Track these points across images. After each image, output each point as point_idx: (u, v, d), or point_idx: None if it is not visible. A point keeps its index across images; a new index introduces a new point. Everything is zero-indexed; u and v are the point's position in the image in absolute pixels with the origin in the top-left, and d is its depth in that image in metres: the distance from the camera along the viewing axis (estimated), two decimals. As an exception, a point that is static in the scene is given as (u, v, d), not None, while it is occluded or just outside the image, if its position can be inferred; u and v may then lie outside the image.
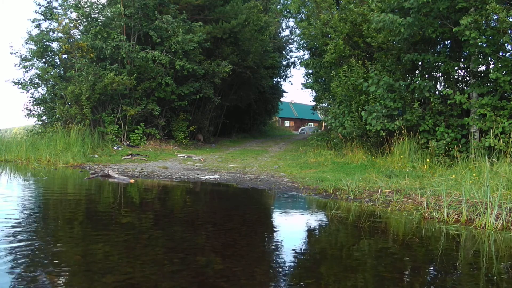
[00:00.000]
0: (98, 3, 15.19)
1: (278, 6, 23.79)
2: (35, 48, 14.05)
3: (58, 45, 14.60)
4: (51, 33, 14.40)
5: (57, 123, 13.27)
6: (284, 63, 29.40)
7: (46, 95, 14.76)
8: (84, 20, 14.89)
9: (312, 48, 17.29)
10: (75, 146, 11.36)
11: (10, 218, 4.35)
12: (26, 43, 14.16)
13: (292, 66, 32.00)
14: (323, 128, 21.44)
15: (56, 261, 3.07)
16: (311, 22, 14.19)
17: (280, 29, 28.42)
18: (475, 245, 4.02)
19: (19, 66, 14.17)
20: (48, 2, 14.60)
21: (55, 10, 14.64)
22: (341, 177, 7.44)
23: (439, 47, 10.56)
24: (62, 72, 14.65)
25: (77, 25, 14.97)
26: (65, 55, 14.71)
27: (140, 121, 14.69)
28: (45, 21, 14.57)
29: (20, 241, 3.56)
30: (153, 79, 14.50)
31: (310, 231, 4.64)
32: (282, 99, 34.42)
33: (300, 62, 20.91)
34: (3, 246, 3.34)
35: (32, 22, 14.39)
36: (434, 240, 4.10)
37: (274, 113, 34.91)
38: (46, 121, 14.76)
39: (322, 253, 3.64)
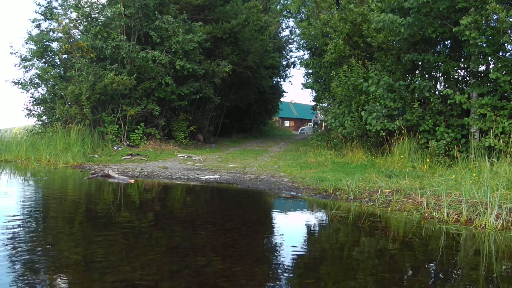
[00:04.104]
0: (98, 3, 15.17)
1: (278, 6, 23.79)
2: (35, 48, 14.04)
3: (58, 45, 14.59)
4: (51, 33, 14.39)
5: (57, 123, 13.25)
6: (284, 63, 29.39)
7: (46, 95, 14.75)
8: (84, 20, 14.88)
9: (312, 48, 17.28)
10: (75, 146, 11.36)
11: (10, 218, 4.35)
12: (26, 43, 14.16)
13: (292, 66, 31.99)
14: (323, 128, 21.44)
15: (56, 261, 3.07)
16: (311, 22, 14.18)
17: (280, 29, 28.41)
18: (475, 245, 4.02)
19: (19, 66, 14.17)
20: (48, 2, 14.59)
21: (55, 10, 14.62)
22: (341, 177, 7.43)
23: (439, 47, 10.55)
24: (62, 72, 14.63)
25: (77, 25, 14.96)
26: (65, 55, 14.69)
27: (140, 121, 14.69)
28: (45, 21, 14.56)
29: (20, 241, 3.56)
30: (153, 79, 14.50)
31: (310, 231, 4.64)
32: (282, 99, 34.40)
33: (300, 62, 20.92)
34: (3, 246, 3.34)
35: (32, 22, 14.38)
36: (434, 240, 4.10)
37: (274, 113, 34.90)
38: (46, 121, 14.74)
39: (322, 253, 3.64)
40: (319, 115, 29.37)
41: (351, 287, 2.79)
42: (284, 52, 28.67)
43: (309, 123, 41.04)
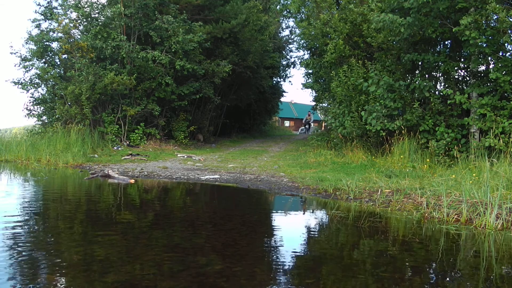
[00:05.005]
0: (98, 3, 15.16)
1: (278, 6, 23.76)
2: (35, 48, 14.03)
3: (58, 45, 14.57)
4: (51, 33, 14.39)
5: (57, 123, 13.25)
6: (284, 63, 29.36)
7: (46, 95, 14.74)
8: (84, 20, 14.87)
9: (312, 48, 17.27)
10: (75, 146, 11.36)
11: (10, 218, 4.35)
12: (26, 43, 14.15)
13: (292, 66, 31.98)
14: (323, 128, 21.44)
15: (56, 261, 3.07)
16: (311, 22, 14.17)
17: (280, 29, 28.39)
18: (475, 245, 4.02)
19: (19, 66, 14.16)
20: (48, 2, 14.58)
21: (55, 10, 14.61)
22: (341, 177, 7.43)
23: (439, 47, 10.55)
24: (62, 72, 14.62)
25: (77, 25, 14.94)
26: (65, 55, 14.68)
27: (140, 121, 14.68)
28: (45, 21, 14.55)
29: (20, 241, 3.56)
30: (153, 79, 14.49)
31: (310, 231, 4.64)
32: (282, 99, 34.39)
33: (300, 62, 20.90)
34: (3, 246, 3.34)
35: (32, 22, 14.38)
36: (434, 240, 4.10)
37: (274, 113, 34.87)
38: (46, 121, 14.73)
39: (322, 253, 3.64)
40: (311, 114, 29.23)
41: (351, 287, 2.79)
42: (284, 52, 28.65)
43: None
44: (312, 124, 31.59)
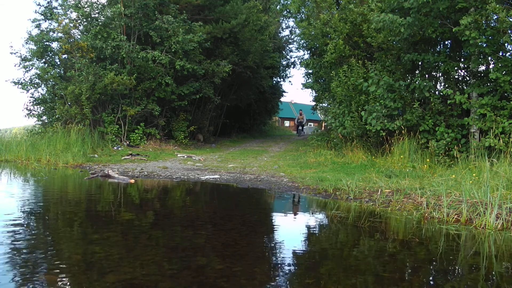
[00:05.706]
0: (98, 3, 15.17)
1: (278, 6, 23.77)
2: (35, 48, 14.03)
3: (58, 45, 14.57)
4: (51, 33, 14.39)
5: (57, 123, 13.25)
6: (284, 63, 29.37)
7: (46, 95, 14.74)
8: (84, 20, 14.87)
9: (312, 48, 17.27)
10: (75, 146, 11.36)
11: (10, 218, 4.35)
12: (26, 43, 14.15)
13: (292, 66, 32.01)
14: (323, 128, 21.43)
15: (56, 261, 3.07)
16: (311, 22, 14.17)
17: (280, 29, 28.39)
18: (475, 245, 4.02)
19: (19, 66, 14.16)
20: (48, 2, 14.58)
21: (55, 10, 14.62)
22: (341, 177, 7.43)
23: (439, 47, 10.56)
24: (62, 72, 14.63)
25: (77, 25, 14.95)
26: (65, 55, 14.68)
27: (140, 121, 14.68)
28: (45, 21, 14.56)
29: (20, 241, 3.56)
30: (153, 79, 14.49)
31: (310, 231, 4.64)
32: (282, 99, 34.38)
33: (300, 62, 20.92)
34: (3, 246, 3.34)
35: (32, 22, 14.38)
36: (434, 240, 4.10)
37: (274, 113, 34.86)
38: (46, 121, 14.74)
39: (322, 253, 3.64)
40: (303, 113, 29.14)
41: (351, 287, 2.79)
42: (284, 52, 28.65)
43: (309, 123, 40.94)
44: (306, 124, 31.39)
